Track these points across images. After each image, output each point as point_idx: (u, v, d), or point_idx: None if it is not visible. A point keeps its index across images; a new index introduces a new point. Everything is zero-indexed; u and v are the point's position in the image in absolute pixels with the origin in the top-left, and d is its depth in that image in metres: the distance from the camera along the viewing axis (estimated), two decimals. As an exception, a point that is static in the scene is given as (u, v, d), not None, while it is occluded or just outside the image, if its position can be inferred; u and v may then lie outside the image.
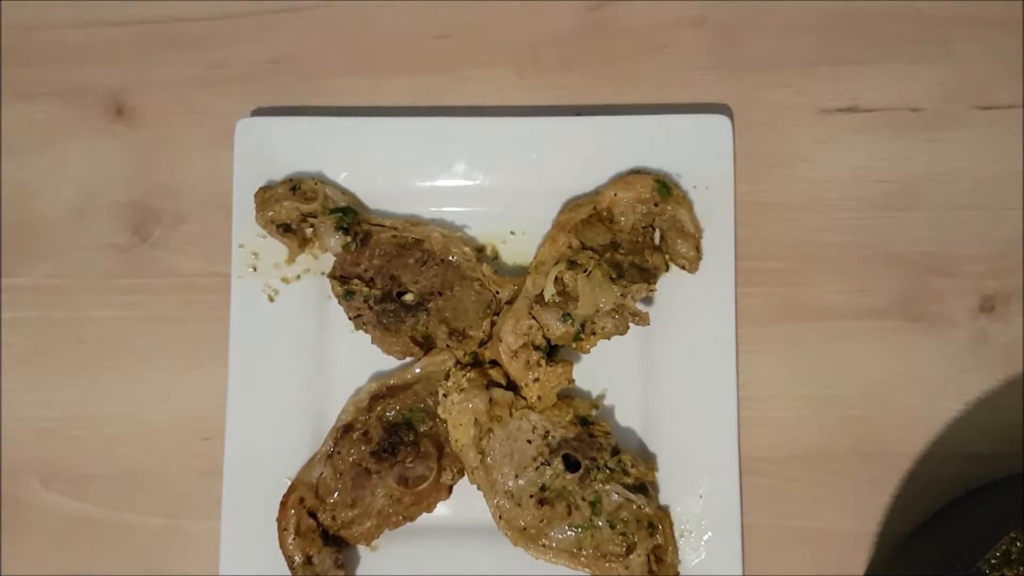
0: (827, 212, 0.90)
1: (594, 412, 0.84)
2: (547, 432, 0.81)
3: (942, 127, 0.91)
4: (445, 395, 0.81)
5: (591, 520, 0.80)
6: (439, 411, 0.82)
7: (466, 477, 0.83)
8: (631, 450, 0.84)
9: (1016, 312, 0.88)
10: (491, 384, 0.82)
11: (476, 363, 0.84)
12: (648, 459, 0.84)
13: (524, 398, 0.82)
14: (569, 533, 0.80)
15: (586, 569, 0.81)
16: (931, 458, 0.86)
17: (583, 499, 0.80)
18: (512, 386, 0.83)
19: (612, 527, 0.80)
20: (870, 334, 0.88)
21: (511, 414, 0.81)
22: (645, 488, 0.82)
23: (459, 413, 0.80)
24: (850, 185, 0.90)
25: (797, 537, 0.86)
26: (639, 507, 0.80)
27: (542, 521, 0.80)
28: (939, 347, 0.88)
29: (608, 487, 0.80)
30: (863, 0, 0.92)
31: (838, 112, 0.91)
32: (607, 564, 0.80)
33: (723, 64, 0.92)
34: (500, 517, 0.81)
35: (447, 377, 0.82)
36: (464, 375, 0.81)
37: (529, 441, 0.81)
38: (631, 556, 0.80)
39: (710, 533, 0.83)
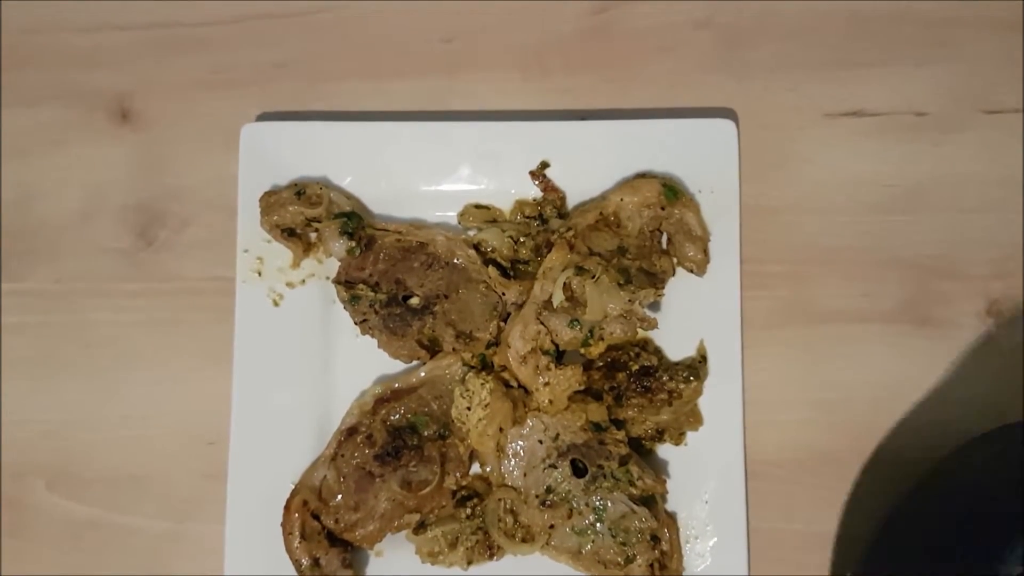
0: (832, 216, 0.90)
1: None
2: (557, 435, 0.81)
3: (947, 131, 0.90)
4: (468, 408, 0.81)
5: (593, 526, 0.80)
6: (455, 415, 0.82)
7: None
8: (641, 460, 0.83)
9: (1022, 315, 0.88)
10: (507, 385, 0.83)
11: (484, 365, 0.84)
12: (658, 471, 0.84)
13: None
14: (571, 536, 0.81)
15: (588, 571, 0.81)
16: (937, 462, 0.86)
17: (587, 505, 0.80)
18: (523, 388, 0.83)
19: (613, 536, 0.80)
20: (876, 338, 0.88)
21: (526, 413, 0.82)
22: (653, 500, 0.82)
23: (486, 426, 0.81)
24: (855, 189, 0.90)
25: (803, 541, 0.86)
26: (642, 520, 0.80)
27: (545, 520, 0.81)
28: (945, 350, 0.88)
29: (613, 496, 0.80)
30: (868, 3, 0.92)
31: (843, 116, 0.91)
32: (606, 569, 0.80)
33: (728, 67, 0.92)
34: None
35: (463, 381, 0.82)
36: (483, 384, 0.81)
37: (540, 441, 0.82)
38: (630, 566, 0.80)
39: (716, 538, 0.83)
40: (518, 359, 0.81)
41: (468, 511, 0.82)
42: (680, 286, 0.86)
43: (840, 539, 0.86)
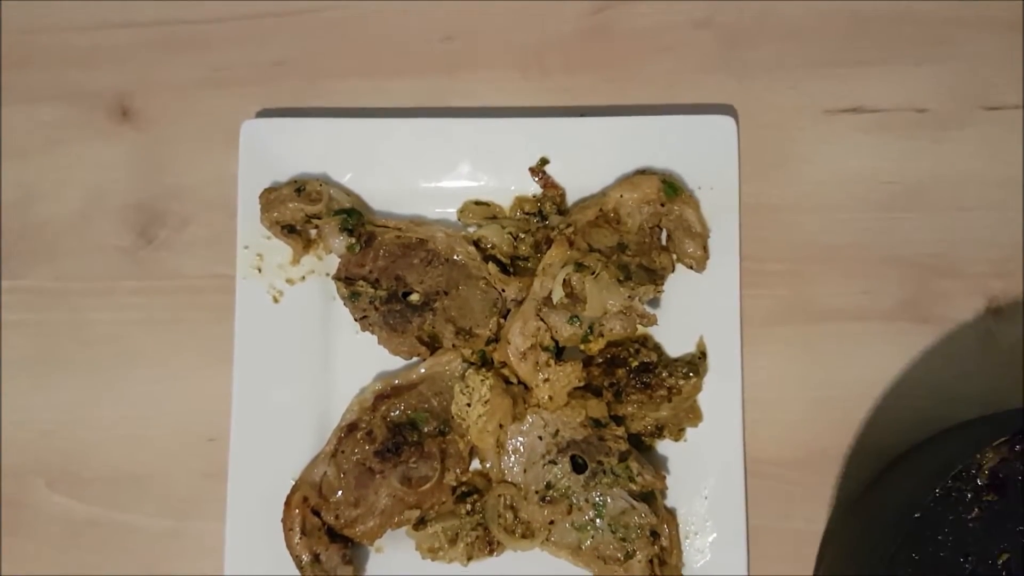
0: (832, 213, 0.90)
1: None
2: (557, 431, 0.81)
3: (947, 128, 0.91)
4: (468, 404, 0.81)
5: (593, 522, 0.80)
6: (455, 411, 0.82)
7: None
8: (641, 456, 0.83)
9: (1022, 313, 0.88)
10: (507, 381, 0.83)
11: (484, 362, 0.84)
12: (658, 467, 0.84)
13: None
14: (571, 532, 0.80)
15: (587, 567, 0.81)
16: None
17: (586, 501, 0.80)
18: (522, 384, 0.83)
19: (613, 532, 0.80)
20: (876, 336, 0.88)
21: (526, 409, 0.82)
22: (653, 496, 0.82)
23: (486, 422, 0.81)
24: (855, 186, 0.90)
25: (801, 538, 0.86)
26: (642, 515, 0.80)
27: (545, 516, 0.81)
28: (945, 349, 0.88)
29: (613, 492, 0.80)
30: (868, 3, 0.92)
31: (843, 113, 0.91)
32: (605, 565, 0.80)
33: (728, 65, 0.92)
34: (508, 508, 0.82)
35: (462, 377, 0.82)
36: (483, 380, 0.81)
37: (540, 437, 0.82)
38: (630, 562, 0.80)
39: (715, 534, 0.83)
40: (518, 355, 0.81)
41: (468, 507, 0.82)
42: (680, 282, 0.86)
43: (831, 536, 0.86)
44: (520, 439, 0.82)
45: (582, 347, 0.83)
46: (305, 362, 0.87)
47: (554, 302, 0.81)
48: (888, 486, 0.80)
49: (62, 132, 0.94)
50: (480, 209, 0.88)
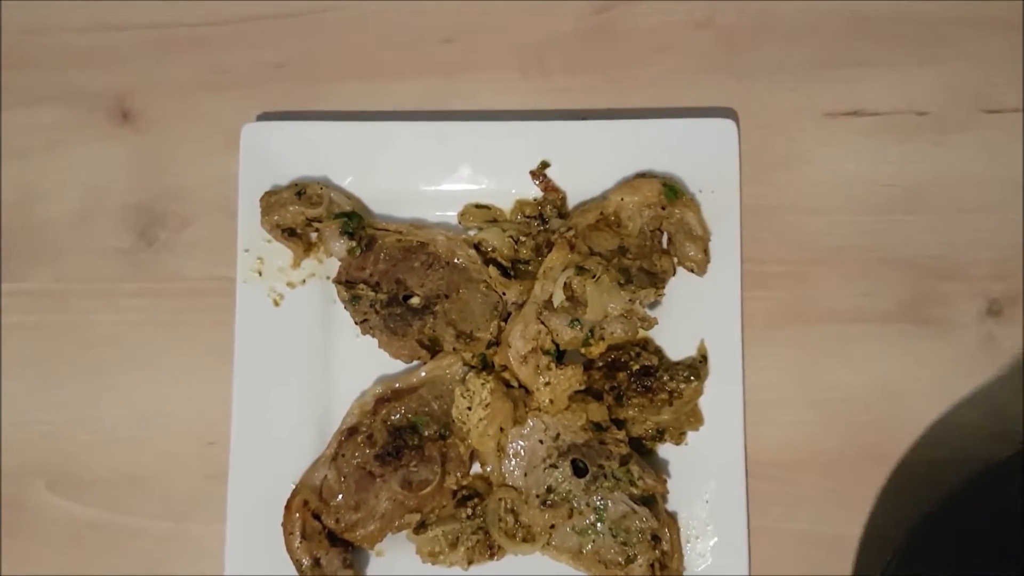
0: (833, 216, 0.90)
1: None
2: (558, 435, 0.81)
3: (948, 131, 0.90)
4: (469, 408, 0.81)
5: (594, 526, 0.80)
6: (455, 415, 0.82)
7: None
8: (641, 460, 0.83)
9: (1022, 315, 0.88)
10: (507, 385, 0.83)
11: (485, 365, 0.84)
12: (659, 470, 0.84)
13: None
14: (572, 536, 0.80)
15: (588, 571, 0.81)
16: (938, 462, 0.86)
17: (587, 505, 0.80)
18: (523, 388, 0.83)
19: (614, 536, 0.80)
20: (876, 338, 0.88)
21: (527, 413, 0.82)
22: (654, 500, 0.82)
23: (487, 426, 0.81)
24: (856, 189, 0.90)
25: (803, 541, 0.86)
26: (643, 519, 0.80)
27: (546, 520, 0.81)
28: (946, 350, 0.88)
29: (614, 496, 0.80)
30: (868, 2, 0.92)
31: (843, 116, 0.91)
32: (606, 569, 0.80)
33: (728, 67, 0.92)
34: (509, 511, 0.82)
35: (463, 381, 0.82)
36: (484, 384, 0.81)
37: (541, 441, 0.82)
38: (631, 566, 0.80)
39: (716, 538, 0.83)
40: (519, 359, 0.81)
41: (469, 511, 0.82)
42: (680, 286, 0.86)
43: (841, 539, 0.86)
44: (521, 443, 0.82)
45: (583, 351, 0.83)
46: (305, 365, 0.87)
47: (555, 305, 0.81)
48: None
49: (62, 133, 0.94)
50: (481, 212, 0.88)
